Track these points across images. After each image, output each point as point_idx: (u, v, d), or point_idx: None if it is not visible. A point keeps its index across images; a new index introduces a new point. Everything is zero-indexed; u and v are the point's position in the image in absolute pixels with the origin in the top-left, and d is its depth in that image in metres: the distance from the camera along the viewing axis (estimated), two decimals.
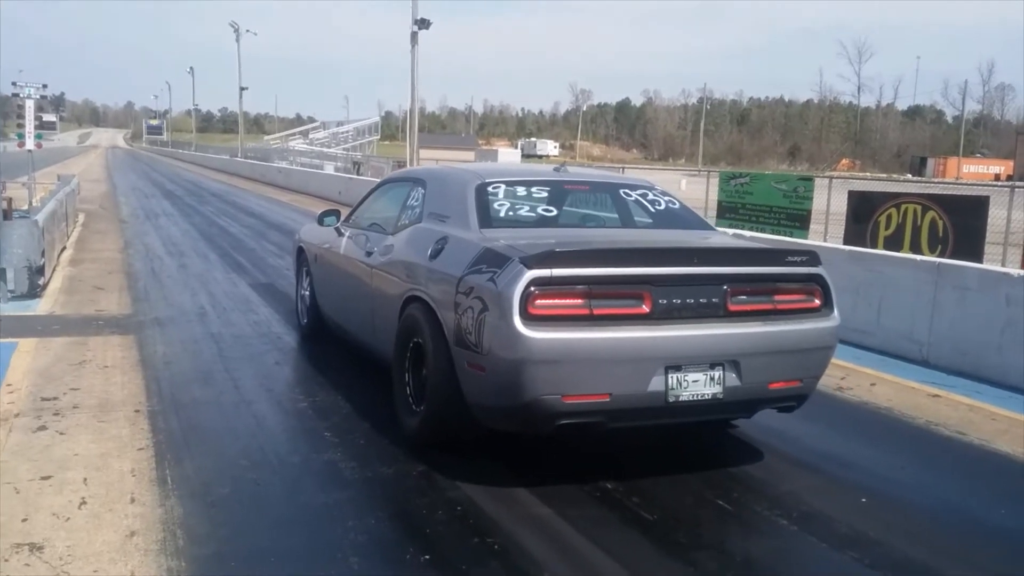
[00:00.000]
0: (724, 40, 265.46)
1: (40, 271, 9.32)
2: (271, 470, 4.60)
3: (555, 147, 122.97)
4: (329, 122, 72.74)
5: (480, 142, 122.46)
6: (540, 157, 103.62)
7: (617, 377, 4.23)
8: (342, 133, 62.34)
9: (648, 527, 4.08)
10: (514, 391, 4.21)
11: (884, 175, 65.83)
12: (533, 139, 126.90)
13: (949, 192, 13.90)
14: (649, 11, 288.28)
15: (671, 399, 4.32)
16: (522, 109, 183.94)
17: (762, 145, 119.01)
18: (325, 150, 53.75)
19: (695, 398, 4.37)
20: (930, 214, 12.33)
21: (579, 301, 4.24)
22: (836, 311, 4.83)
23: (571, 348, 4.16)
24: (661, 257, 4.51)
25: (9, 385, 5.91)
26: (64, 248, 13.11)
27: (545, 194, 5.70)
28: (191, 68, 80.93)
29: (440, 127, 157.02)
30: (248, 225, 18.68)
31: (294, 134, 74.02)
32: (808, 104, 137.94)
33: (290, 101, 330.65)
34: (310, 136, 66.73)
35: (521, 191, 5.57)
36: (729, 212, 16.56)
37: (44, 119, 18.41)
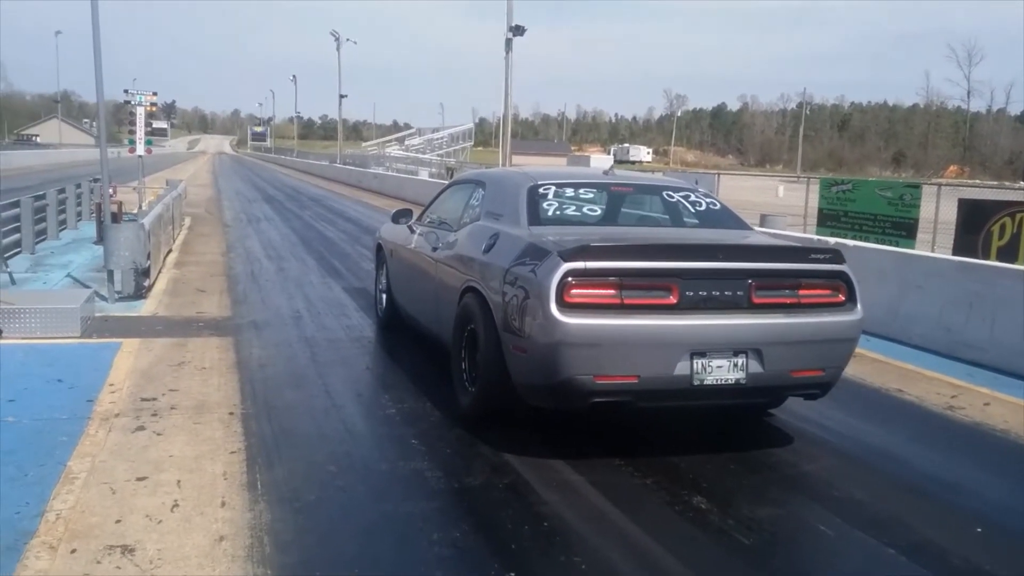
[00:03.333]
0: (825, 44, 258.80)
1: (146, 273, 9.63)
2: (358, 477, 4.59)
3: (648, 153, 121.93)
4: (424, 129, 73.82)
5: (573, 148, 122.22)
6: (633, 163, 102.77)
7: (645, 361, 4.60)
8: (437, 139, 63.19)
9: None
10: (551, 371, 4.62)
11: (995, 182, 62.84)
12: (626, 145, 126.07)
13: None
14: (747, 15, 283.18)
15: (696, 382, 4.65)
16: (615, 115, 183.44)
17: (864, 151, 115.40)
18: (420, 156, 54.54)
19: (719, 382, 4.68)
20: None
21: (611, 291, 4.62)
22: (860, 306, 5.03)
23: (602, 333, 4.55)
24: (688, 253, 4.91)
25: (112, 385, 6.08)
26: (170, 251, 13.56)
27: (592, 195, 6.15)
28: (294, 77, 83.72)
29: (533, 133, 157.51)
30: (344, 230, 19.01)
31: (390, 140, 75.33)
32: (914, 109, 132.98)
33: (387, 108, 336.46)
34: (406, 142, 67.80)
35: (570, 192, 5.99)
36: (830, 220, 16.02)
37: (155, 126, 19.12)
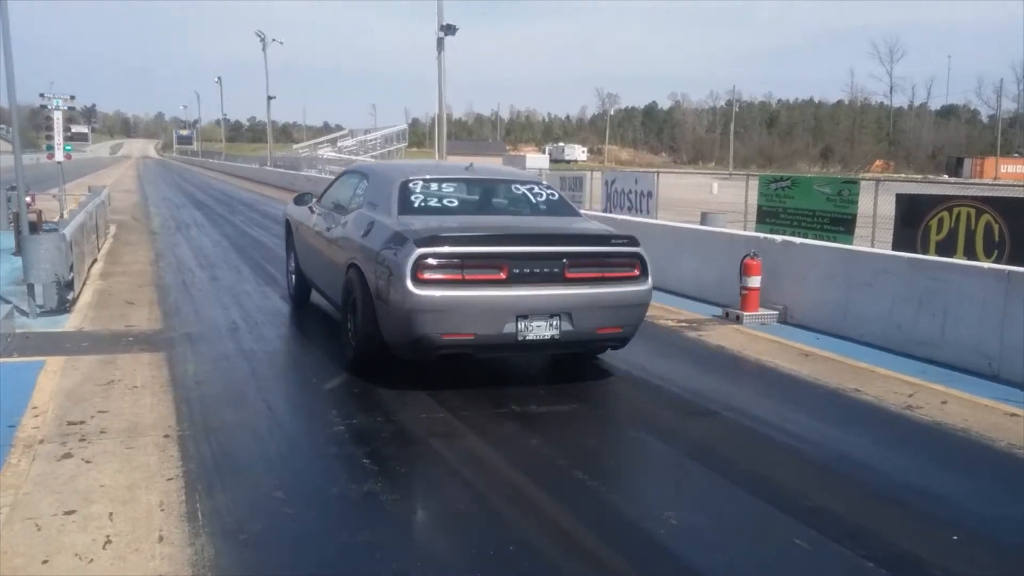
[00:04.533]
0: (752, 42, 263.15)
1: (69, 285, 9.10)
2: (308, 503, 4.29)
3: (583, 152, 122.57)
4: (357, 130, 72.59)
5: (508, 148, 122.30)
6: (569, 162, 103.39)
7: (480, 322, 5.92)
8: (370, 141, 62.21)
9: None
10: (409, 330, 5.93)
11: (920, 176, 64.68)
12: (561, 144, 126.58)
13: (1005, 194, 13.29)
14: (675, 14, 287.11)
15: (520, 338, 5.99)
16: (548, 114, 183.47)
17: (793, 147, 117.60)
18: (354, 158, 53.68)
19: (538, 338, 6.04)
20: (985, 217, 11.78)
21: (455, 270, 5.89)
22: (650, 279, 6.47)
23: (447, 302, 5.85)
24: (516, 240, 6.15)
25: (35, 408, 5.66)
26: (95, 261, 12.95)
27: (453, 188, 7.18)
28: (219, 78, 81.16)
29: (467, 133, 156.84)
30: (278, 235, 18.31)
31: (322, 142, 74.05)
32: (839, 105, 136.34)
33: (318, 110, 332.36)
34: (338, 144, 66.70)
35: (435, 186, 7.09)
36: (769, 217, 16.05)
37: (75, 130, 18.32)
